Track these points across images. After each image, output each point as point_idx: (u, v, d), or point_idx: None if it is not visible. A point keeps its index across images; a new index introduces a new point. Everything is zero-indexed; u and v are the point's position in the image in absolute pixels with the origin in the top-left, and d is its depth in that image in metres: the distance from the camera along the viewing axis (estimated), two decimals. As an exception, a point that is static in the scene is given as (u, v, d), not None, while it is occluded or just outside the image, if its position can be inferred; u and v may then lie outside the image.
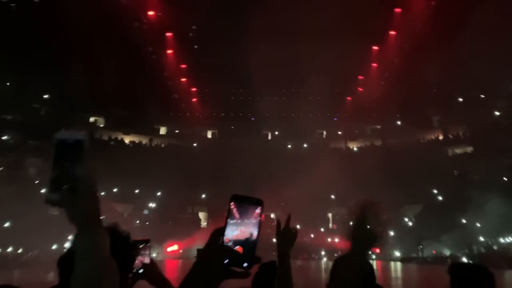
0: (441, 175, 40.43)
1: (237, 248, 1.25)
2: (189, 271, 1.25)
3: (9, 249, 29.51)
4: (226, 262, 1.23)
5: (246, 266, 1.24)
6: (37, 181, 38.02)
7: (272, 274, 2.37)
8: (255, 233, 1.26)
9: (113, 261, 1.29)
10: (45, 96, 43.74)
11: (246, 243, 1.25)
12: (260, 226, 1.27)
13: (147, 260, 2.39)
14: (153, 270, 2.37)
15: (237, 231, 1.26)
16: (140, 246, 2.39)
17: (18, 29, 37.75)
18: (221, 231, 1.27)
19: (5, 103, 40.29)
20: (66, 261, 1.63)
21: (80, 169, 1.28)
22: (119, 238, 1.68)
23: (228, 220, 1.27)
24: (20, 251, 29.80)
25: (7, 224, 30.82)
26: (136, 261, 2.34)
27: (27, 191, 32.51)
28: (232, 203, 1.28)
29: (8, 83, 40.33)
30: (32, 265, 28.64)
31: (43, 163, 38.48)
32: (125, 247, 1.67)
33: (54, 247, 32.07)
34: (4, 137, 39.99)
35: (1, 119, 41.18)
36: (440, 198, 40.33)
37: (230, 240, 1.26)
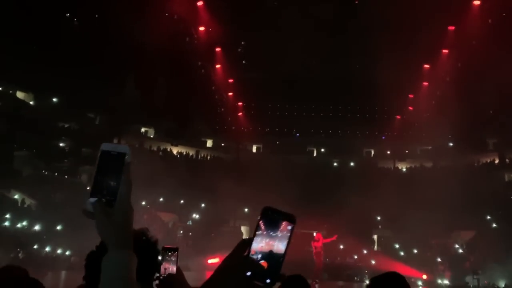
0: (496, 200, 38.33)
1: (262, 262, 1.21)
2: (209, 278, 1.24)
3: (59, 251, 30.72)
4: (249, 275, 1.19)
5: (269, 283, 1.19)
6: (88, 188, 39.63)
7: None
8: (282, 249, 1.21)
9: (139, 285, 1.27)
10: (100, 107, 45.76)
11: (272, 257, 1.21)
12: (289, 242, 1.23)
13: (173, 268, 2.41)
14: (178, 279, 2.39)
15: (264, 243, 1.22)
16: (169, 253, 2.42)
17: (78, 43, 39.90)
18: (248, 242, 1.24)
19: (63, 112, 42.57)
20: (93, 261, 1.64)
21: (120, 184, 1.27)
22: (147, 243, 1.70)
23: (257, 231, 1.24)
24: (68, 253, 30.94)
25: (59, 227, 32.18)
26: (162, 268, 2.36)
27: (79, 196, 33.92)
28: (261, 215, 1.28)
29: (66, 93, 42.53)
30: (78, 268, 29.65)
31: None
32: (151, 252, 1.68)
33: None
34: (61, 144, 42.09)
35: (59, 127, 43.47)
36: (494, 225, 38.18)
37: (256, 252, 1.22)
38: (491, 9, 38.08)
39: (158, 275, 2.29)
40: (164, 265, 2.45)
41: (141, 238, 1.67)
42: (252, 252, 1.23)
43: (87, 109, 45.23)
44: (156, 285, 2.15)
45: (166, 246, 2.47)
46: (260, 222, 1.27)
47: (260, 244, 1.23)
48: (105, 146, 1.31)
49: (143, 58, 42.19)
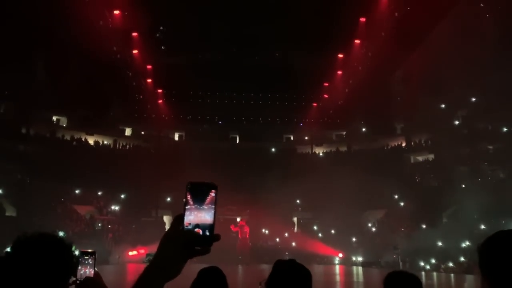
0: (403, 180, 41.63)
1: (197, 230, 1.39)
2: (155, 254, 1.41)
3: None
4: (188, 242, 1.38)
5: (206, 245, 1.39)
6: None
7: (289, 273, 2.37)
8: (211, 215, 1.41)
9: None
10: (5, 93, 42.06)
11: (204, 225, 1.40)
12: (215, 208, 1.42)
13: (90, 271, 2.41)
14: (96, 282, 2.38)
15: (195, 215, 1.41)
16: (85, 257, 2.41)
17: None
18: (180, 217, 1.41)
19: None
20: (4, 263, 1.57)
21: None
22: (62, 247, 1.64)
23: (186, 206, 1.41)
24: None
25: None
26: (81, 272, 2.34)
27: (-18, 192, 31.17)
28: (188, 190, 1.43)
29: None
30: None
31: (1, 163, 36.95)
32: (65, 255, 1.63)
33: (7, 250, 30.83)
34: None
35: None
36: (402, 203, 41.46)
37: (189, 224, 1.40)
38: (398, 3, 40.75)
39: (74, 279, 2.26)
40: (81, 268, 2.43)
41: (56, 242, 1.62)
42: (186, 224, 1.40)
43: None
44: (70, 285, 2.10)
45: (82, 250, 2.45)
46: (188, 196, 1.42)
47: (191, 216, 1.41)
48: (192, 183, 1.45)
49: (54, 41, 39.39)
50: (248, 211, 43.15)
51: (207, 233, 1.40)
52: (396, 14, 41.84)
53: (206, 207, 1.42)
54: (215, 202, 1.42)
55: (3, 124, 40.39)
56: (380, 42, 41.96)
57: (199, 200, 1.42)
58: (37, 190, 36.50)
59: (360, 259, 37.77)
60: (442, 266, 32.03)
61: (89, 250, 2.47)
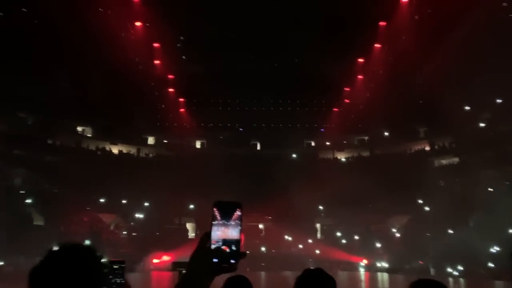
0: (427, 185, 40.90)
1: (224, 247, 1.45)
2: (185, 273, 1.49)
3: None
4: (216, 261, 1.44)
5: (234, 262, 1.45)
6: (22, 191, 37.55)
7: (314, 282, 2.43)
8: (237, 233, 1.47)
9: None
10: (32, 106, 43.26)
11: (231, 242, 1.46)
12: (241, 225, 1.49)
13: (121, 280, 2.43)
14: None
15: (222, 232, 1.47)
16: (115, 266, 2.44)
17: (3, 38, 37.39)
18: (207, 235, 1.48)
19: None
20: (37, 274, 1.61)
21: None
22: (94, 257, 1.68)
23: (213, 223, 1.48)
24: (0, 263, 29.25)
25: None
26: (112, 281, 2.38)
27: (11, 201, 32.06)
28: (214, 208, 1.50)
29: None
30: (12, 277, 28.10)
31: (28, 174, 38.01)
32: (99, 266, 1.68)
33: (38, 258, 31.51)
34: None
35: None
36: (426, 208, 40.73)
37: (216, 241, 1.46)
38: (418, 6, 40.33)
39: None
40: (112, 277, 2.46)
41: (88, 252, 1.67)
42: (213, 242, 1.47)
43: (17, 108, 42.51)
44: None
45: (112, 259, 2.50)
46: (214, 214, 1.49)
47: (218, 233, 1.47)
48: (219, 201, 1.52)
49: (79, 54, 40.42)
50: (269, 218, 43.10)
51: (234, 249, 1.46)
52: (416, 17, 41.40)
53: (232, 224, 1.48)
54: (240, 219, 1.49)
55: (31, 136, 41.49)
56: (401, 46, 41.56)
57: (226, 217, 1.49)
58: (63, 199, 37.30)
59: (385, 265, 37.21)
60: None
61: (119, 259, 2.52)
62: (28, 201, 36.97)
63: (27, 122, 44.52)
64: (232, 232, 1.47)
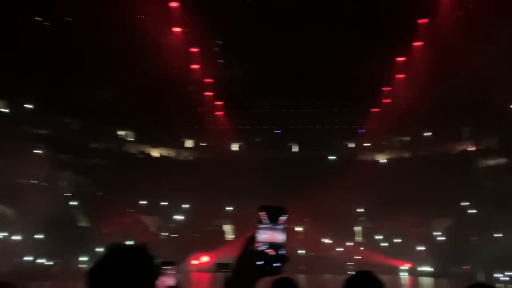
0: (472, 187, 39.36)
1: (269, 250, 1.49)
2: (230, 275, 1.53)
3: (40, 261, 30.18)
4: (261, 263, 1.48)
5: (278, 266, 1.49)
6: (68, 194, 39.03)
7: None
8: (282, 237, 1.50)
9: None
10: (76, 111, 45.00)
11: (275, 245, 1.50)
12: (286, 230, 1.52)
13: (172, 281, 2.40)
14: None
15: (267, 235, 1.51)
16: (166, 267, 2.41)
17: (49, 47, 39.07)
18: (253, 238, 1.52)
19: (37, 118, 41.68)
20: (96, 273, 1.66)
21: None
22: (148, 257, 1.71)
23: (259, 226, 1.52)
24: (49, 262, 30.45)
25: (38, 236, 31.61)
26: (161, 283, 2.35)
27: (59, 203, 33.37)
28: (261, 212, 1.53)
29: (40, 99, 41.65)
30: (60, 277, 29.19)
31: (73, 177, 39.47)
32: (152, 265, 1.70)
33: (83, 258, 32.67)
34: (37, 151, 41.20)
35: (34, 134, 42.54)
36: (471, 211, 39.17)
37: (262, 244, 1.50)
38: (461, 1, 38.97)
39: None
40: (162, 278, 2.45)
41: (140, 253, 1.70)
42: (258, 245, 1.50)
43: (63, 114, 44.35)
44: None
45: (163, 260, 2.49)
46: (261, 218, 1.52)
47: (264, 236, 1.50)
48: (265, 205, 1.56)
49: (119, 60, 41.64)
50: (308, 220, 42.72)
51: (279, 252, 1.49)
52: (459, 12, 39.98)
53: (278, 228, 1.51)
54: (285, 223, 1.52)
55: (75, 140, 43.10)
56: (443, 43, 40.26)
57: (272, 221, 1.52)
58: (106, 201, 38.48)
59: (428, 269, 36.04)
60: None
61: (170, 260, 2.50)
62: (74, 203, 38.37)
63: (72, 127, 46.32)
64: (277, 236, 1.50)
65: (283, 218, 1.52)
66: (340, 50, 46.97)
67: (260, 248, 1.49)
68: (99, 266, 1.66)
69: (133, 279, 1.63)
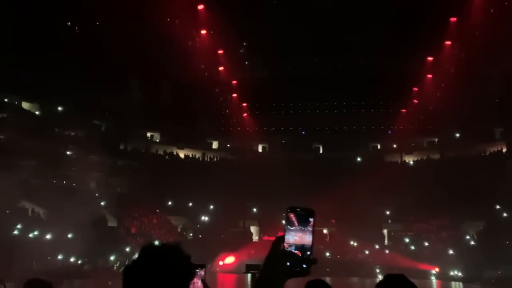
0: (505, 189, 38.08)
1: (296, 252, 1.51)
2: (259, 275, 1.56)
3: (71, 259, 30.91)
4: (288, 264, 1.50)
5: (305, 267, 1.51)
6: (97, 194, 39.89)
7: None
8: (310, 239, 1.52)
9: None
10: (106, 113, 46.06)
11: (303, 247, 1.52)
12: (314, 232, 1.53)
13: (200, 283, 2.46)
14: None
15: (295, 237, 1.53)
16: (196, 269, 2.46)
17: (79, 50, 40.11)
18: (281, 239, 1.54)
19: (69, 120, 42.84)
20: (133, 272, 1.69)
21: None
22: (184, 256, 1.74)
23: (287, 227, 1.54)
24: (80, 261, 31.14)
25: (69, 235, 32.39)
26: (191, 284, 2.40)
27: (88, 203, 34.14)
28: (290, 213, 1.55)
29: (71, 102, 42.78)
30: (91, 275, 29.84)
31: (103, 177, 40.31)
32: (187, 266, 1.72)
33: (112, 257, 33.33)
34: (68, 152, 42.35)
35: (65, 136, 43.76)
36: (505, 214, 37.95)
37: (290, 245, 1.52)
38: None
39: None
40: (193, 281, 2.50)
41: (177, 253, 1.73)
42: (286, 246, 1.52)
43: (92, 116, 45.48)
44: None
45: (194, 264, 2.54)
46: (289, 219, 1.55)
47: (291, 238, 1.53)
48: (292, 206, 1.56)
49: (147, 64, 42.40)
50: (334, 222, 42.31)
51: (306, 254, 1.52)
52: (491, 10, 38.88)
53: (306, 230, 1.54)
54: (313, 226, 1.54)
55: (105, 141, 44.03)
56: (474, 42, 39.21)
57: (301, 223, 1.54)
58: (134, 202, 39.14)
59: (459, 274, 35.10)
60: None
61: (200, 264, 2.56)
62: (102, 203, 39.18)
63: (101, 128, 47.39)
64: (305, 237, 1.52)
65: (311, 220, 1.54)
66: (368, 50, 46.49)
67: (288, 249, 1.51)
68: (136, 265, 1.69)
69: (170, 279, 1.65)
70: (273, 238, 1.60)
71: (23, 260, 24.22)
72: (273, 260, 1.53)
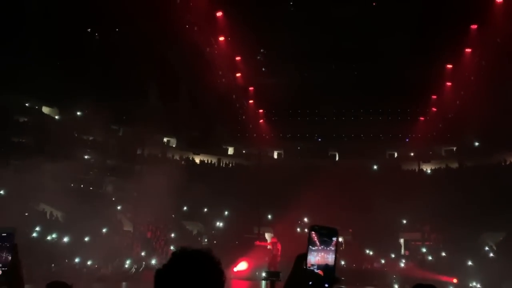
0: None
1: (319, 271, 1.50)
2: None
3: (89, 263, 31.23)
4: (311, 284, 1.49)
5: (327, 287, 1.50)
6: (114, 198, 40.31)
7: None
8: (333, 258, 1.51)
9: None
10: (123, 118, 46.61)
11: (326, 267, 1.50)
12: (337, 251, 1.52)
13: None
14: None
15: (318, 257, 1.51)
16: None
17: (99, 57, 40.80)
18: (303, 257, 1.53)
19: (87, 125, 43.47)
20: (163, 276, 1.71)
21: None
22: (215, 262, 1.75)
23: (310, 247, 1.53)
24: (96, 265, 31.44)
25: (87, 239, 32.77)
26: None
27: (105, 207, 34.54)
28: (312, 232, 1.54)
29: (89, 107, 43.43)
30: (108, 279, 30.08)
31: (120, 181, 40.72)
32: (218, 271, 1.73)
33: (128, 261, 33.56)
34: (86, 157, 42.95)
35: (84, 140, 44.42)
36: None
37: (312, 265, 1.51)
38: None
39: None
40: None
41: (208, 258, 1.74)
42: (308, 265, 1.52)
43: (110, 121, 46.04)
44: None
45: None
46: (312, 239, 1.54)
47: (313, 259, 1.52)
48: (315, 226, 1.56)
49: (164, 69, 42.85)
50: (350, 231, 41.90)
51: (329, 273, 1.50)
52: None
53: (329, 250, 1.52)
54: (336, 245, 1.53)
55: (122, 146, 44.54)
56: (495, 49, 38.59)
57: (323, 243, 1.53)
58: (149, 206, 39.35)
59: (477, 285, 34.35)
60: None
61: None
62: (119, 207, 39.57)
63: (118, 133, 47.96)
64: (328, 257, 1.51)
65: (334, 239, 1.53)
66: (386, 56, 46.18)
67: (310, 268, 1.51)
68: (168, 270, 1.70)
69: (199, 283, 1.66)
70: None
71: (42, 262, 24.57)
72: (295, 279, 1.52)
